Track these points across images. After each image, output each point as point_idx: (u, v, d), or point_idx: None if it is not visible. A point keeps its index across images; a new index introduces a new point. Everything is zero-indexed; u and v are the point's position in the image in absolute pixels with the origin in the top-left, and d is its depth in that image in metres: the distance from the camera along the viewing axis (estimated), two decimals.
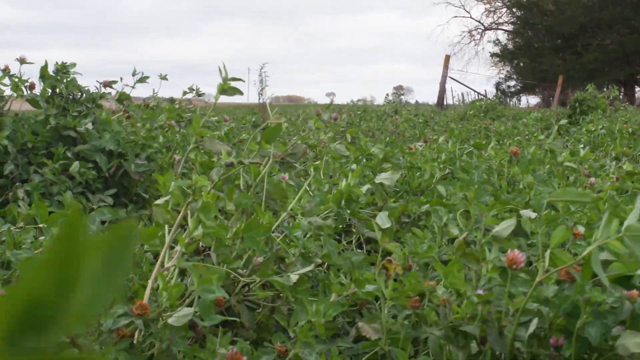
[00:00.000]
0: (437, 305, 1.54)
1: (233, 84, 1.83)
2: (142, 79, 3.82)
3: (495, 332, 1.43)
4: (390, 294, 1.56)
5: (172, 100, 5.18)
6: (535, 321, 1.40)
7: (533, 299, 1.42)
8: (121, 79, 3.56)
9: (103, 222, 1.91)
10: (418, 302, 1.56)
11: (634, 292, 1.35)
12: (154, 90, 5.03)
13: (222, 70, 1.82)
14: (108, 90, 3.39)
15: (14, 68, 3.11)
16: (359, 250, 2.37)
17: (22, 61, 3.10)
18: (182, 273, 1.58)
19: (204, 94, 5.26)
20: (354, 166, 3.24)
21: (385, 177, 2.37)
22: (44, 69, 3.06)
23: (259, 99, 9.16)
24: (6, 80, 3.05)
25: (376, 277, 1.64)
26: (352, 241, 2.48)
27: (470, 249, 1.71)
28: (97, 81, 3.41)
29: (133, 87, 3.78)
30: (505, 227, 1.65)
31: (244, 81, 1.91)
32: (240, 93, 1.87)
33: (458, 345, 1.48)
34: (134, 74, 3.80)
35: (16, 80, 3.04)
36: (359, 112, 12.05)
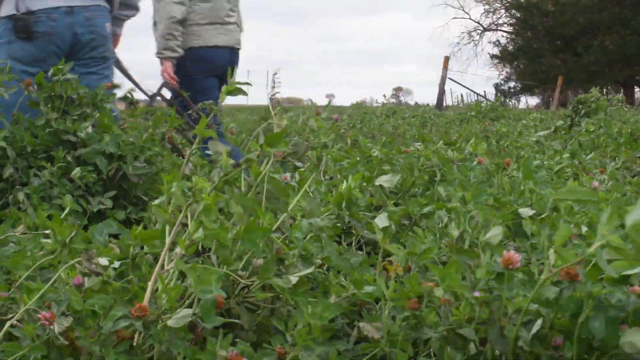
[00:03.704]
0: (438, 307, 1.54)
1: (241, 87, 1.85)
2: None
3: (497, 332, 1.43)
4: (391, 295, 1.55)
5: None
6: (539, 321, 1.39)
7: (534, 300, 1.41)
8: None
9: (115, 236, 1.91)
10: (417, 304, 1.55)
11: (637, 287, 1.35)
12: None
13: (231, 74, 1.84)
14: (113, 92, 3.38)
15: None
16: (358, 252, 2.37)
17: None
18: (182, 275, 1.58)
19: None
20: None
21: (386, 180, 2.37)
22: (38, 78, 3.03)
23: (270, 102, 9.25)
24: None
25: (376, 278, 1.64)
26: (352, 242, 2.48)
27: (467, 247, 1.71)
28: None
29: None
30: (494, 235, 1.63)
31: (251, 85, 1.92)
32: (245, 94, 1.89)
33: (456, 347, 1.48)
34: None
35: None
36: (359, 115, 12.06)
